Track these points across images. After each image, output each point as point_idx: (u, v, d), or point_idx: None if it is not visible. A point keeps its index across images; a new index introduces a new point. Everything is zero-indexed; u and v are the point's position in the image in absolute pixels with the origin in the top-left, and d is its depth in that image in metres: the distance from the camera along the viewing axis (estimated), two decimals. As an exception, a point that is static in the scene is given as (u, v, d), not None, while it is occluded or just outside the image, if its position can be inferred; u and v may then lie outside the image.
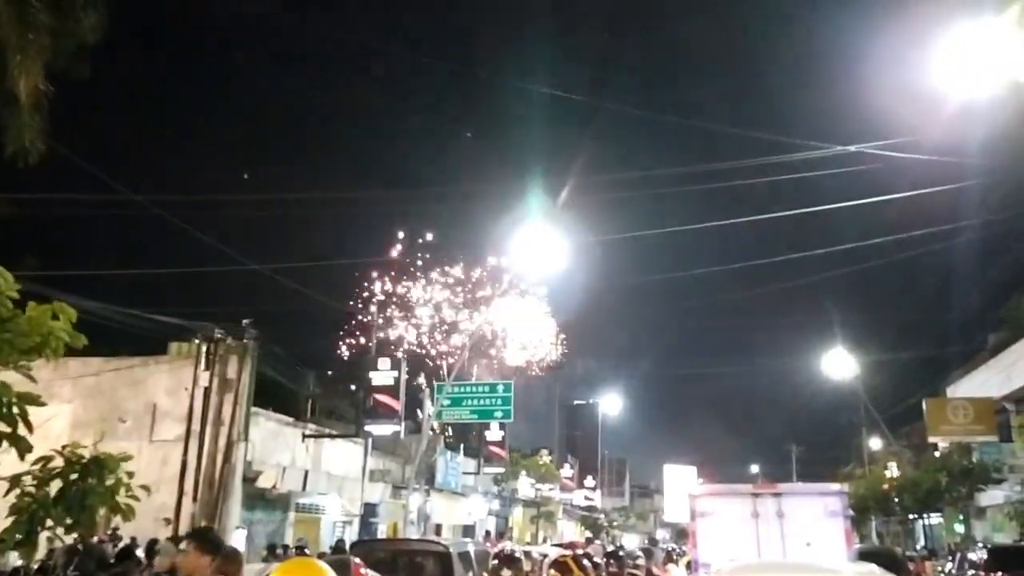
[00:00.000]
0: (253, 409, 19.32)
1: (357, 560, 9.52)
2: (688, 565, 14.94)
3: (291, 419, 22.48)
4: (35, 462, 6.56)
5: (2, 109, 14.48)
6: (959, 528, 37.51)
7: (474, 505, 36.67)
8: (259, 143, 60.41)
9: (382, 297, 28.66)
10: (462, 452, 34.88)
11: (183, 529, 16.97)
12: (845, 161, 16.79)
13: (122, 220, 23.40)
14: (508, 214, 22.79)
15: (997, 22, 10.81)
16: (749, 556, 12.27)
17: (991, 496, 33.40)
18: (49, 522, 6.52)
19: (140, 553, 13.57)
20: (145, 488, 7.06)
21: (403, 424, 24.04)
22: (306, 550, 18.46)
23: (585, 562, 9.23)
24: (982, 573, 20.19)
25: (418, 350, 28.78)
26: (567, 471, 53.33)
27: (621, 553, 12.86)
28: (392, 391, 23.47)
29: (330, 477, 23.59)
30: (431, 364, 28.98)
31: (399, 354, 25.81)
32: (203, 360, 18.54)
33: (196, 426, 18.26)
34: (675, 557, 19.73)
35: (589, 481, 60.86)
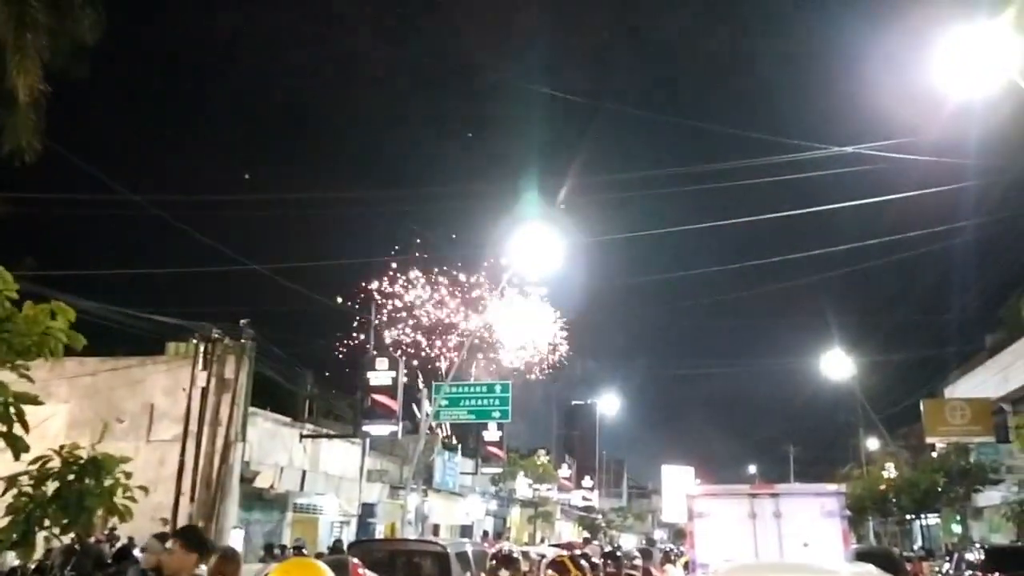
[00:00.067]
0: (251, 409, 19.32)
1: (355, 560, 9.51)
2: (686, 565, 14.92)
3: (289, 419, 22.48)
4: (32, 462, 6.53)
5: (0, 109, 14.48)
6: (956, 529, 37.51)
7: (472, 505, 36.67)
8: (258, 143, 60.42)
9: (380, 299, 28.65)
10: (460, 452, 34.87)
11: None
12: (843, 162, 16.83)
13: (120, 220, 23.44)
14: (507, 214, 22.81)
15: (994, 24, 10.83)
16: (746, 556, 12.26)
17: (988, 497, 33.44)
18: (46, 522, 6.50)
19: (137, 553, 13.57)
20: (143, 489, 7.03)
21: (401, 424, 24.04)
22: (304, 550, 18.46)
23: (583, 562, 9.21)
24: (979, 574, 20.19)
25: (412, 351, 28.76)
26: (565, 471, 53.32)
27: (619, 553, 12.86)
28: (390, 391, 23.47)
29: (328, 477, 23.59)
30: (429, 365, 28.99)
31: (397, 354, 25.81)
32: (200, 360, 18.53)
33: (193, 426, 18.25)
34: (673, 557, 19.75)
35: (587, 481, 60.85)
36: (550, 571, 8.09)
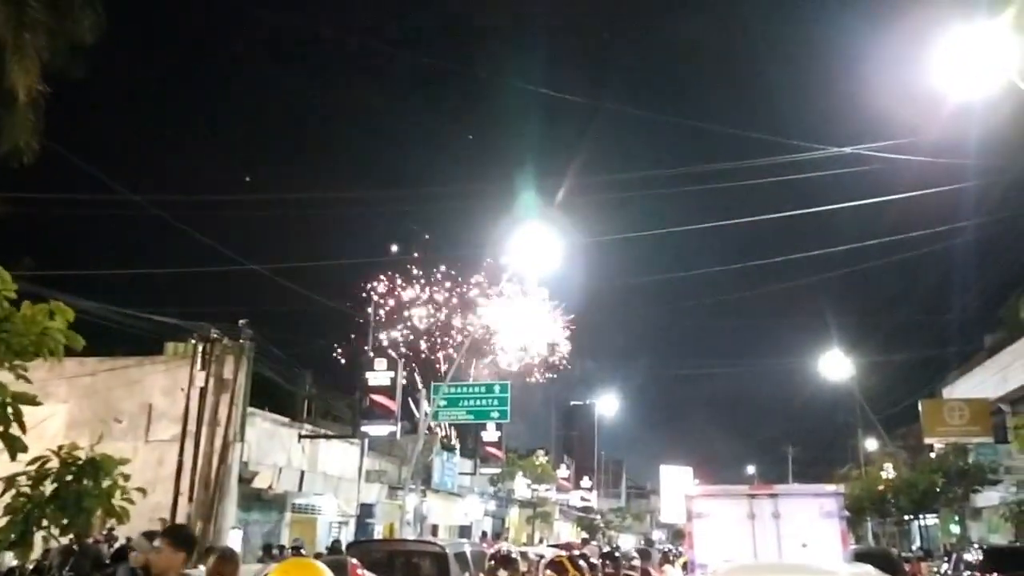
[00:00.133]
0: (249, 409, 19.31)
1: (354, 561, 9.50)
2: (684, 566, 14.91)
3: (287, 419, 22.47)
4: (31, 462, 6.52)
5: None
6: (955, 529, 37.52)
7: (470, 506, 36.66)
8: (258, 143, 60.40)
9: (379, 299, 28.64)
10: (458, 453, 34.87)
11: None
12: (843, 162, 16.82)
13: (119, 220, 23.40)
14: (507, 214, 22.80)
15: (994, 24, 10.83)
16: (745, 557, 12.26)
17: (987, 497, 33.44)
18: (44, 522, 6.49)
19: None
20: (141, 491, 7.02)
21: (399, 425, 24.03)
22: (302, 550, 18.44)
23: (581, 563, 9.21)
24: (977, 574, 20.20)
25: (411, 351, 28.75)
26: (563, 472, 53.32)
27: (617, 554, 12.85)
28: (388, 392, 23.47)
29: (326, 478, 23.57)
30: (429, 367, 28.97)
31: (396, 354, 25.80)
32: (199, 360, 18.52)
33: (192, 426, 18.23)
34: (671, 558, 19.66)
35: (585, 482, 60.85)
36: (549, 571, 8.08)
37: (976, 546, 24.79)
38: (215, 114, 63.01)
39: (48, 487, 6.53)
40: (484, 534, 33.93)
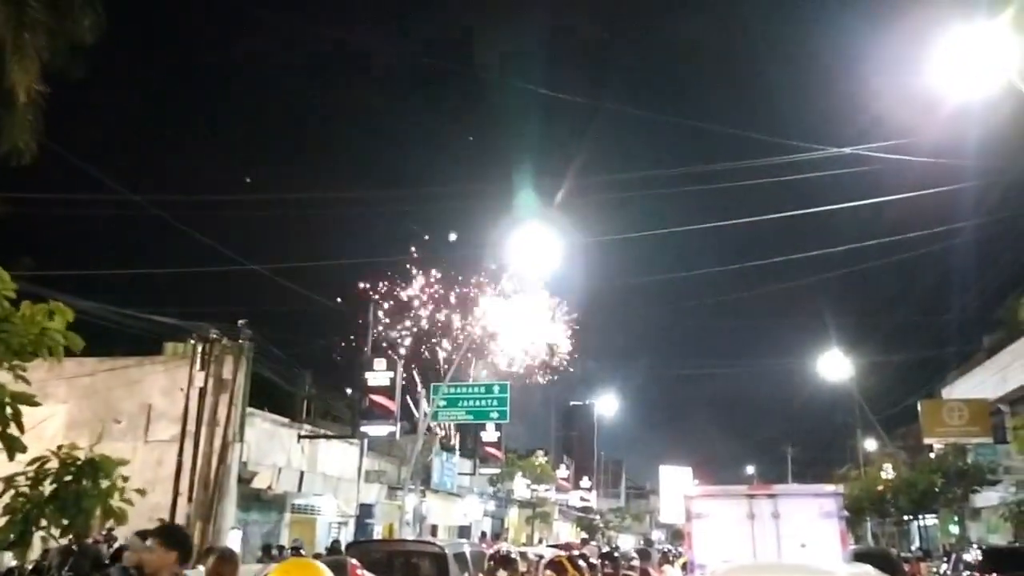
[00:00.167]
0: (249, 410, 19.31)
1: (353, 561, 9.50)
2: (684, 566, 14.92)
3: (287, 420, 22.47)
4: (30, 463, 6.53)
5: (-2, 109, 14.46)
6: (954, 529, 37.53)
7: (470, 506, 36.66)
8: (258, 143, 60.38)
9: (379, 300, 28.60)
10: (458, 453, 34.87)
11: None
12: (842, 162, 16.83)
13: (119, 220, 23.39)
14: (506, 215, 22.80)
15: (993, 24, 10.84)
16: (744, 557, 12.27)
17: (986, 497, 33.45)
18: (43, 522, 6.49)
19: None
20: (140, 492, 7.02)
21: (399, 425, 24.03)
22: (302, 551, 18.45)
23: (581, 563, 9.21)
24: (977, 574, 20.22)
25: (410, 352, 28.70)
26: (563, 472, 53.32)
27: (616, 554, 12.86)
28: (388, 392, 23.46)
29: (326, 478, 23.57)
30: (428, 366, 28.92)
31: (396, 354, 25.79)
32: (198, 360, 18.53)
33: (191, 427, 18.23)
34: (671, 558, 19.68)
35: (585, 482, 60.86)
36: (548, 571, 8.10)
37: (975, 546, 24.82)
38: (215, 114, 63.02)
39: (47, 487, 6.54)
40: (483, 534, 33.93)
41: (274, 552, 18.32)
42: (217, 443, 18.25)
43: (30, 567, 13.11)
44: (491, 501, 40.39)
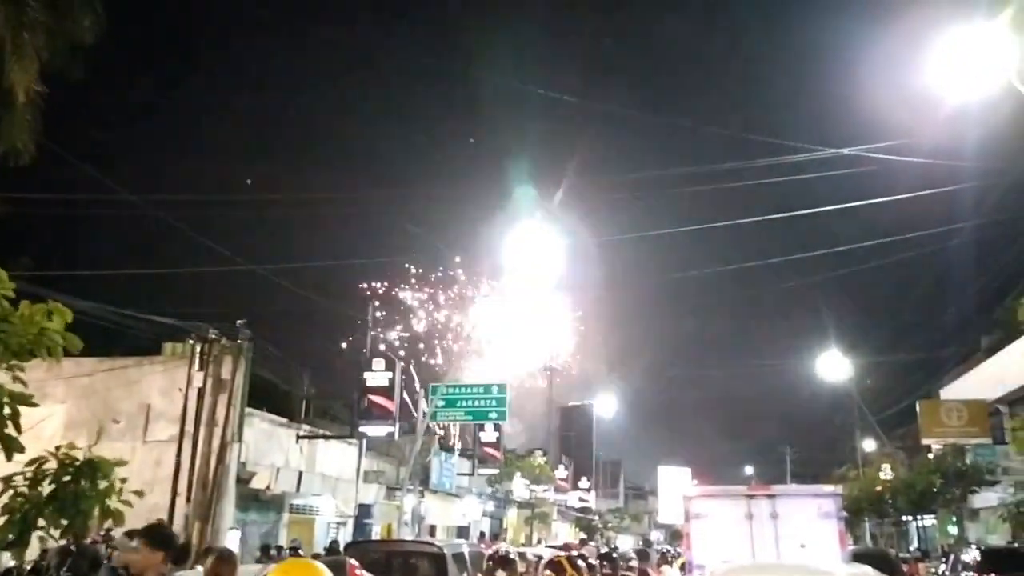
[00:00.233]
0: (247, 410, 19.28)
1: (352, 561, 9.51)
2: (682, 567, 14.92)
3: (285, 420, 22.45)
4: (29, 463, 6.53)
5: (-3, 109, 14.45)
6: (952, 530, 37.56)
7: (468, 506, 36.64)
8: (256, 143, 60.38)
9: (378, 300, 28.58)
10: (457, 453, 34.85)
11: (176, 531, 16.94)
12: (841, 163, 16.85)
13: (118, 220, 23.38)
14: (505, 215, 22.81)
15: (992, 25, 10.84)
16: (743, 558, 12.26)
17: (984, 498, 33.46)
18: (42, 522, 6.49)
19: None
20: (138, 493, 7.02)
21: (397, 425, 24.01)
22: (300, 551, 18.45)
23: (580, 563, 9.22)
24: (975, 575, 20.23)
25: (409, 352, 28.69)
26: (561, 472, 53.30)
27: (615, 555, 12.87)
28: (387, 392, 23.44)
29: (324, 478, 23.56)
30: (427, 367, 28.90)
31: (395, 355, 25.76)
32: (197, 361, 18.50)
33: (190, 427, 18.21)
34: (669, 559, 19.71)
35: (583, 482, 60.85)
36: (547, 571, 8.10)
37: (974, 547, 24.83)
38: (214, 114, 63.04)
39: (46, 488, 6.54)
40: (482, 535, 33.92)
41: (272, 552, 18.31)
42: (216, 443, 18.23)
43: (28, 567, 13.10)
44: (490, 501, 40.36)
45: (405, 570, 12.96)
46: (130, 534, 8.05)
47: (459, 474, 34.37)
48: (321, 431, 24.38)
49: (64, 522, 6.54)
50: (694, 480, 66.07)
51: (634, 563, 14.12)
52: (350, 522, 25.28)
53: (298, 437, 22.76)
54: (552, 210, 21.24)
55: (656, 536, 70.85)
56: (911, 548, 41.41)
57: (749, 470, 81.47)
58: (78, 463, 6.68)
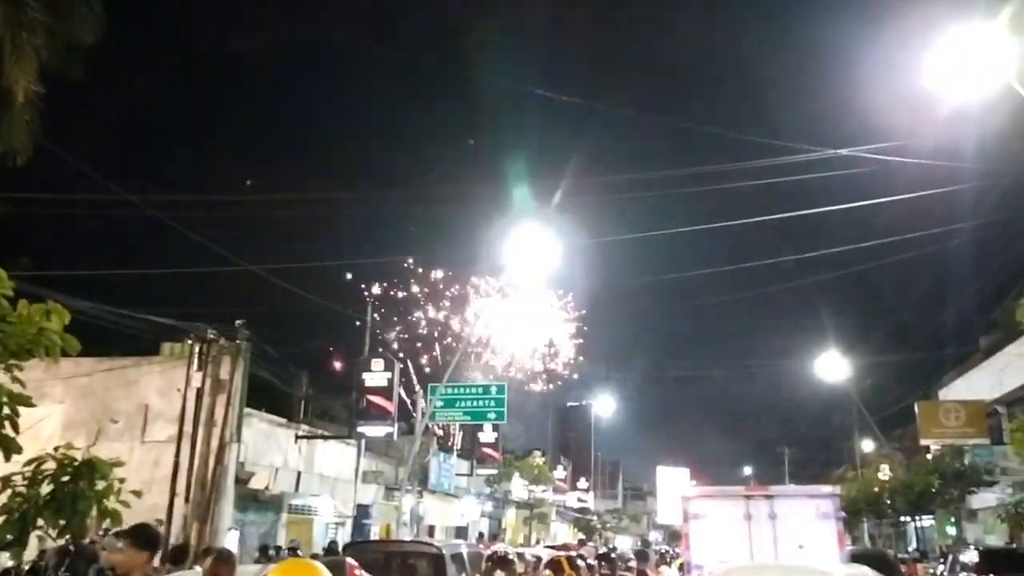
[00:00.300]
0: (246, 410, 19.29)
1: (351, 561, 9.52)
2: (681, 567, 14.92)
3: (284, 420, 22.46)
4: (27, 463, 6.52)
5: (-4, 109, 14.42)
6: (951, 530, 37.59)
7: (467, 507, 36.65)
8: (257, 143, 60.35)
9: (376, 300, 28.58)
10: (455, 454, 34.86)
11: (175, 531, 16.95)
12: (839, 164, 16.84)
13: (117, 220, 23.35)
14: (504, 216, 22.78)
15: (991, 26, 10.85)
16: (742, 558, 12.27)
17: (983, 498, 33.49)
18: (40, 523, 6.49)
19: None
20: (136, 493, 7.02)
21: (396, 426, 24.01)
22: (299, 551, 18.45)
23: (579, 563, 9.24)
24: (973, 575, 20.24)
25: (408, 352, 28.70)
26: (560, 473, 53.37)
27: (613, 555, 12.88)
28: (385, 392, 23.44)
29: (323, 478, 23.56)
30: (427, 368, 28.92)
31: (393, 355, 25.77)
32: (195, 361, 18.49)
33: (188, 427, 18.19)
34: (668, 559, 19.74)
35: (582, 483, 60.95)
36: (546, 571, 8.11)
37: (972, 547, 24.85)
38: (213, 114, 63.00)
39: (44, 488, 6.53)
40: (481, 535, 33.93)
41: (271, 552, 18.31)
42: (214, 443, 18.21)
43: (27, 567, 13.09)
44: (488, 502, 40.38)
45: (404, 570, 12.96)
46: (118, 534, 8.05)
47: (458, 474, 34.40)
48: (320, 431, 24.39)
49: (62, 522, 6.53)
50: (692, 481, 66.12)
51: (632, 563, 14.14)
52: (349, 522, 25.28)
53: (297, 437, 22.76)
54: (551, 210, 21.21)
55: (655, 536, 70.85)
56: (909, 549, 41.40)
57: (747, 470, 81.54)
58: (76, 463, 6.67)
